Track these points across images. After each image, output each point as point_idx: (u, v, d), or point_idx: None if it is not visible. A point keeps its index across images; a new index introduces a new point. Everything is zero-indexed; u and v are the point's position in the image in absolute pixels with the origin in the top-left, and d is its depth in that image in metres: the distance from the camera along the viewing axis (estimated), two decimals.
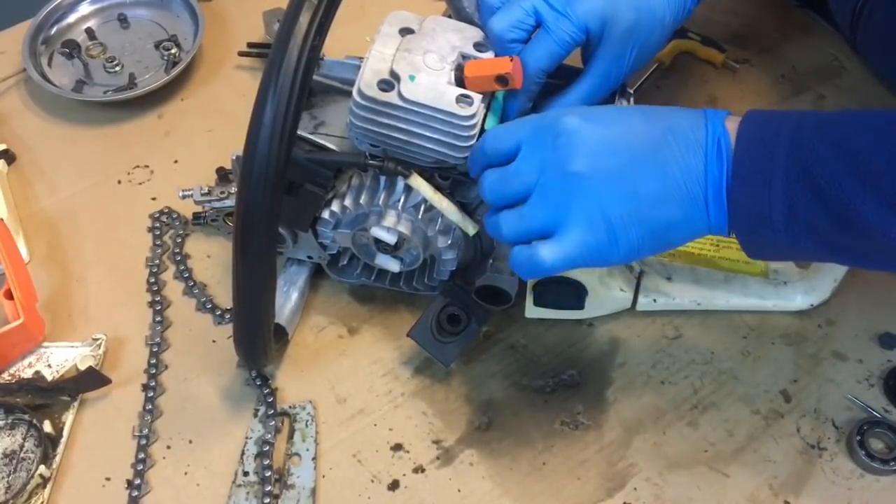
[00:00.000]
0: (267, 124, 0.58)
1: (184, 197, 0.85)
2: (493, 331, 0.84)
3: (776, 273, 0.84)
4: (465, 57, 0.70)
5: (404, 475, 0.76)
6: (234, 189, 0.85)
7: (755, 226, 0.60)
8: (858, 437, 0.75)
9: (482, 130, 0.70)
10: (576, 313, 0.82)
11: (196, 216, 0.91)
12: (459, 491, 0.75)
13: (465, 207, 0.74)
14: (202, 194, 0.85)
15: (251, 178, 0.59)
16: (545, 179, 0.62)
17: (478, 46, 0.71)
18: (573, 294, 0.79)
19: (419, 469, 0.76)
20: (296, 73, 0.58)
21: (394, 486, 0.75)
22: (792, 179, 0.57)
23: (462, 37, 0.71)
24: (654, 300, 0.82)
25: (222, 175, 0.87)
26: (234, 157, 0.78)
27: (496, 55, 0.71)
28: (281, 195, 0.61)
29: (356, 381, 0.81)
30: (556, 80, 0.74)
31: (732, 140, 0.60)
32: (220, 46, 1.06)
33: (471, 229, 0.73)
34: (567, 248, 0.62)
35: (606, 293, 0.80)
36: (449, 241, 0.75)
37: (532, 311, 0.81)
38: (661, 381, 0.81)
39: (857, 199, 0.55)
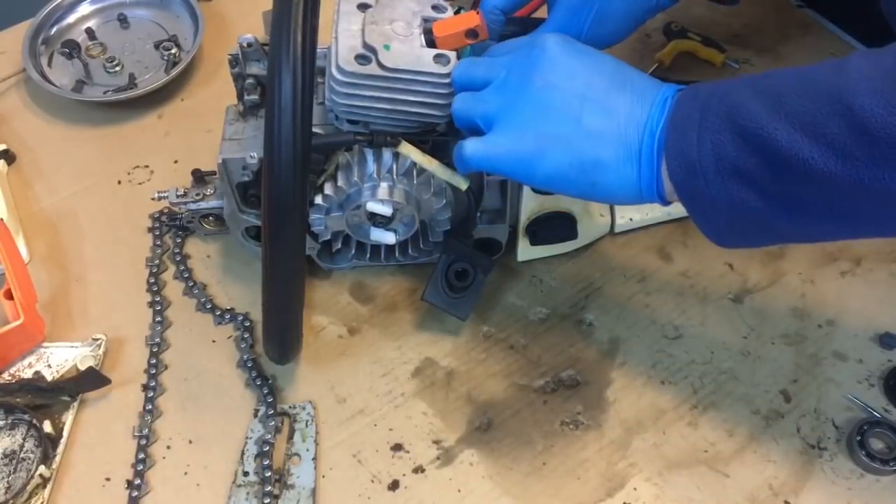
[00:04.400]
0: (286, 108, 0.59)
1: (159, 198, 0.84)
2: (493, 331, 0.84)
3: None
4: (426, 20, 0.73)
5: (404, 475, 0.76)
6: (210, 191, 0.85)
7: (688, 175, 0.62)
8: (858, 437, 0.75)
9: None
10: (565, 246, 0.86)
11: (172, 218, 0.91)
12: (459, 491, 0.75)
13: (448, 166, 0.76)
14: (178, 196, 0.84)
15: (278, 162, 0.60)
16: (507, 77, 0.66)
17: (436, 8, 0.74)
18: (566, 223, 0.82)
19: (419, 469, 0.76)
20: (304, 55, 0.59)
21: (394, 486, 0.75)
22: (717, 124, 0.60)
23: (419, 1, 0.74)
24: (630, 219, 0.88)
25: (198, 177, 0.86)
26: (219, 161, 0.77)
27: (455, 13, 0.74)
28: (308, 177, 0.62)
29: (356, 381, 0.81)
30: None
31: None
32: (220, 46, 1.06)
33: (463, 184, 0.74)
34: (491, 149, 0.66)
35: (590, 220, 0.85)
36: (443, 202, 0.78)
37: (525, 253, 0.84)
38: (661, 381, 0.81)
39: (769, 125, 0.57)
